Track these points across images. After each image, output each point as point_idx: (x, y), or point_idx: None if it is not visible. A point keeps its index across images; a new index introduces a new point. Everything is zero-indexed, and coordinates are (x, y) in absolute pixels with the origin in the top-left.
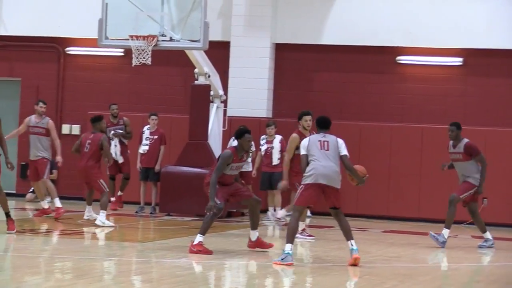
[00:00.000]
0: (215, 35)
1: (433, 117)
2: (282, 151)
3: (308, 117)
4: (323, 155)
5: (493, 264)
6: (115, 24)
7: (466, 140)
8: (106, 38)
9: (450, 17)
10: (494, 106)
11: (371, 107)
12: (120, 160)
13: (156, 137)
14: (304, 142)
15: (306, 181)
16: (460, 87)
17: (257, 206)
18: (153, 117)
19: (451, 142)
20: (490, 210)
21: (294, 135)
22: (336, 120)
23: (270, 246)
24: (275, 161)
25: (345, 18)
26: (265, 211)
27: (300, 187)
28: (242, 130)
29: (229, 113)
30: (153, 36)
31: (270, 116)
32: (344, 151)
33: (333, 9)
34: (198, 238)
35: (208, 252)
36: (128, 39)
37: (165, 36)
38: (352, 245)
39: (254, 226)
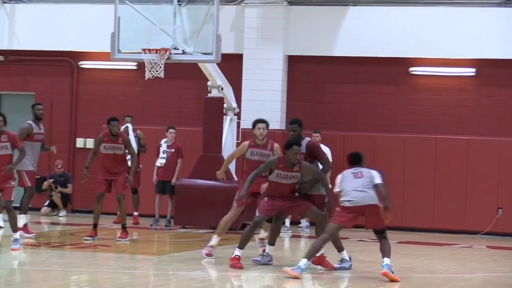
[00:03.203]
0: (228, 48)
1: (447, 127)
2: None
3: (262, 125)
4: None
5: (507, 274)
6: (128, 38)
7: (308, 138)
8: (119, 51)
9: (463, 27)
10: (507, 116)
11: (384, 118)
12: None
13: (173, 150)
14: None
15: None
16: (474, 97)
17: (320, 220)
18: (171, 130)
19: None
20: (505, 220)
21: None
22: (349, 131)
23: (331, 267)
24: None
25: (357, 30)
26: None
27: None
28: (289, 141)
29: (242, 126)
30: (166, 49)
31: (284, 128)
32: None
33: (345, 21)
34: (236, 251)
35: (237, 267)
36: (141, 53)
37: (177, 49)
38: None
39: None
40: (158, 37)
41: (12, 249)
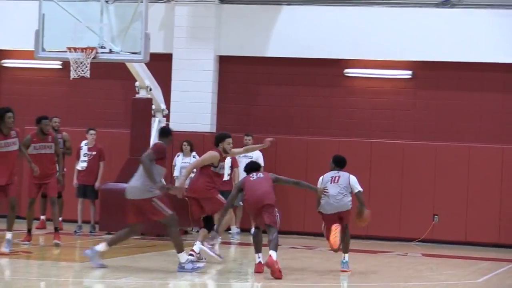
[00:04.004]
0: (157, 47)
1: (382, 131)
2: (232, 166)
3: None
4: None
5: (442, 283)
6: (53, 36)
7: None
8: (43, 50)
9: (399, 28)
10: (444, 120)
11: (319, 121)
12: None
13: (94, 153)
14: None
15: None
16: (409, 100)
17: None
18: (91, 132)
19: None
20: (441, 227)
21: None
22: (282, 134)
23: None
24: (225, 177)
25: (291, 30)
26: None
27: None
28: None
29: (171, 128)
30: (92, 48)
31: (214, 130)
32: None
33: (278, 20)
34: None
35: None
36: (66, 51)
37: (104, 48)
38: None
39: None
40: (84, 35)
41: None
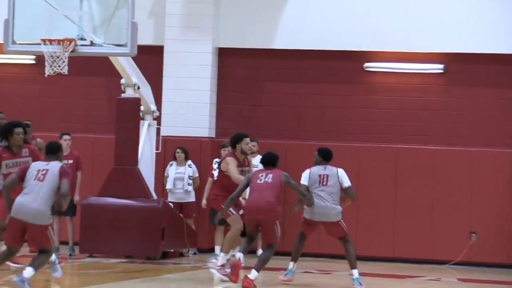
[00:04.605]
0: (146, 39)
1: (409, 135)
2: None
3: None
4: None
5: None
6: (25, 26)
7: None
8: (14, 42)
9: (428, 15)
10: (481, 121)
11: (334, 124)
12: None
13: (70, 161)
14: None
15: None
16: (441, 99)
17: None
18: (65, 137)
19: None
20: (479, 247)
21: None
22: (292, 139)
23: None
24: None
25: (302, 18)
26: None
27: None
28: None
29: (163, 133)
30: (71, 40)
31: (213, 135)
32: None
33: (287, 6)
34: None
35: None
36: (40, 44)
37: (85, 39)
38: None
39: None
40: (61, 25)
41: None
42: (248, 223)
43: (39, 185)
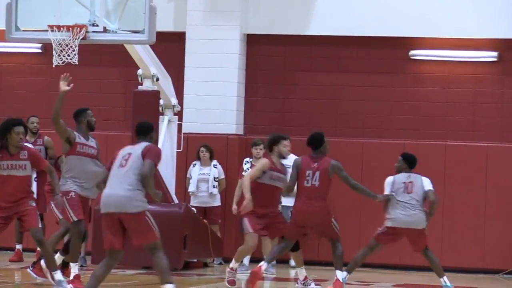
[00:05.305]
0: (165, 25)
1: (459, 131)
2: None
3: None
4: None
5: None
6: (30, 10)
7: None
8: (17, 29)
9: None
10: None
11: (377, 118)
12: None
13: None
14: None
15: None
16: (495, 90)
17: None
18: None
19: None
20: None
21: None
22: (330, 136)
23: None
24: None
25: (340, 1)
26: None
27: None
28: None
29: (185, 129)
30: (81, 26)
31: (241, 132)
32: None
33: None
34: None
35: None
36: (47, 31)
37: (97, 25)
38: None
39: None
40: (71, 9)
41: None
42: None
43: (122, 171)
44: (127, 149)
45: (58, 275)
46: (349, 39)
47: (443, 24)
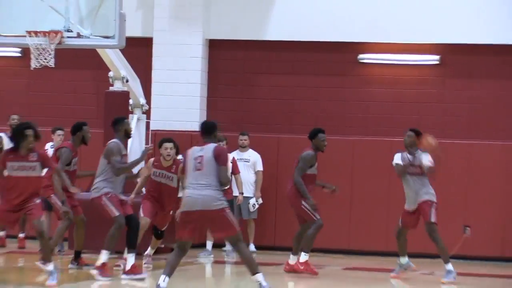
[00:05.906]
0: (134, 30)
1: (405, 128)
2: (233, 173)
3: (169, 145)
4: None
5: None
6: (9, 17)
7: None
8: None
9: (423, 5)
10: (478, 114)
11: (328, 117)
12: None
13: None
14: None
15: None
16: (437, 91)
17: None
18: (58, 132)
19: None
20: (473, 240)
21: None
22: (285, 133)
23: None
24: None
25: (295, 8)
26: (219, 246)
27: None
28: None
29: (152, 127)
30: (57, 32)
31: None
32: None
33: None
34: (303, 256)
35: (314, 272)
36: (25, 36)
37: (71, 31)
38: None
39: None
40: (47, 16)
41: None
42: None
43: (200, 174)
44: (196, 151)
45: (50, 266)
46: (303, 44)
47: (389, 30)
